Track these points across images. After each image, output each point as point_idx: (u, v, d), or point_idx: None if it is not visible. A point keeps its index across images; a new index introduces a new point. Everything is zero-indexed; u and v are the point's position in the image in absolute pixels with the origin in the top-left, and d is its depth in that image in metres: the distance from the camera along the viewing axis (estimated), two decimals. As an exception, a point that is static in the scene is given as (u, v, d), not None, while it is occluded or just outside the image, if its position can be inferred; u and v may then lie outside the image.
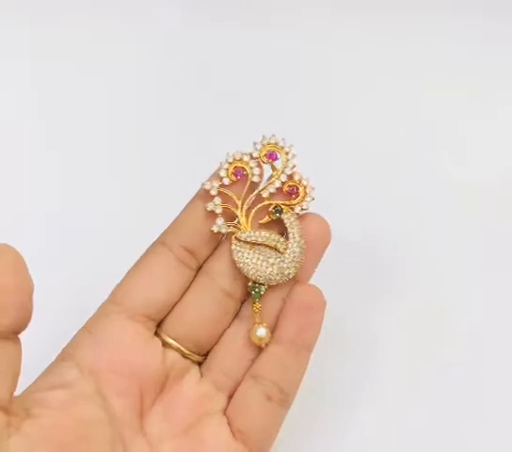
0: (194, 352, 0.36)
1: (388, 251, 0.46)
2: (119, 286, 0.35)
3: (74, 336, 0.35)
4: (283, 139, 0.37)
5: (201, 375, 0.36)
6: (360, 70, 0.53)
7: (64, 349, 0.34)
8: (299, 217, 0.37)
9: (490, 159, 0.50)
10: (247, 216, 0.37)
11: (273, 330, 0.36)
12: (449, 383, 0.42)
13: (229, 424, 0.35)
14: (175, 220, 0.36)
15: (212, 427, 0.35)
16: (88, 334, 0.34)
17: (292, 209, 0.37)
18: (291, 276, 0.36)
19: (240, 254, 0.36)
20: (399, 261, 0.46)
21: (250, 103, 0.52)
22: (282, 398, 0.35)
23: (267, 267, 0.36)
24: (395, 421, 0.41)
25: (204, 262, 0.36)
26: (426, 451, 0.40)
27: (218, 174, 0.36)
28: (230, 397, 0.36)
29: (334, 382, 0.42)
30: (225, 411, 0.35)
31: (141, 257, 0.36)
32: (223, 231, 0.36)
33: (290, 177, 0.37)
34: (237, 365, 0.36)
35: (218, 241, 0.37)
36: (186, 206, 0.36)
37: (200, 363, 0.36)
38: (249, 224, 0.37)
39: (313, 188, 0.37)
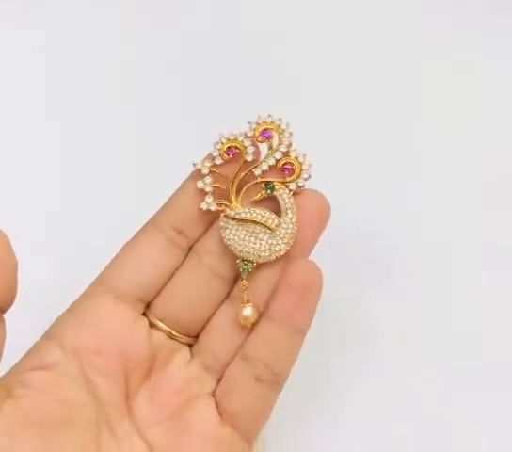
0: (183, 334, 0.35)
1: (387, 235, 0.45)
2: (107, 268, 0.35)
3: (59, 316, 0.34)
4: (280, 119, 0.36)
5: (192, 356, 0.35)
6: (354, 43, 0.53)
7: (48, 330, 0.34)
8: (296, 194, 0.36)
9: (492, 138, 0.48)
10: (237, 193, 0.36)
11: (263, 309, 0.34)
12: (447, 368, 0.40)
13: (217, 406, 0.34)
14: (167, 201, 0.36)
15: (199, 410, 0.34)
16: (73, 315, 0.34)
17: (286, 186, 0.36)
18: (282, 253, 0.35)
19: (228, 231, 0.35)
20: (398, 244, 0.44)
21: (250, 82, 0.52)
22: (273, 380, 0.34)
23: (255, 243, 0.35)
24: (393, 406, 0.39)
25: (195, 241, 0.36)
26: (424, 435, 0.39)
27: (211, 153, 0.36)
28: (219, 380, 0.35)
29: (331, 367, 0.41)
30: (214, 394, 0.35)
31: (131, 239, 0.36)
32: (212, 208, 0.35)
33: (285, 154, 0.36)
34: (227, 347, 0.35)
35: (210, 221, 0.36)
36: (178, 187, 0.36)
37: (190, 345, 0.36)
38: (240, 202, 0.36)
39: (311, 165, 0.36)
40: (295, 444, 0.38)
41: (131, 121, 0.51)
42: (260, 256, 0.35)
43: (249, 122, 0.36)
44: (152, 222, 0.35)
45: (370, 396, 0.40)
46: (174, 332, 0.35)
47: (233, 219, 0.35)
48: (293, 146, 0.36)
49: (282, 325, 0.33)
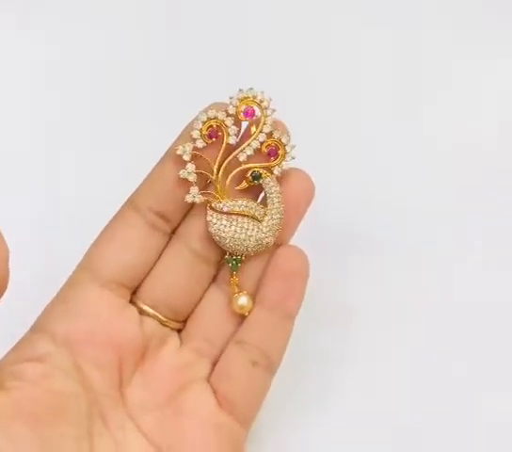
0: (171, 319, 0.34)
1: (368, 212, 0.44)
2: (90, 252, 0.33)
3: (47, 306, 0.33)
4: (262, 93, 0.33)
5: (181, 342, 0.34)
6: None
7: (37, 320, 0.33)
8: (280, 176, 0.33)
9: (480, 117, 0.47)
10: (222, 182, 0.33)
11: (254, 295, 0.34)
12: (428, 345, 0.41)
13: (213, 391, 0.33)
14: (145, 182, 0.33)
15: (195, 395, 0.33)
16: (61, 304, 0.33)
17: (271, 171, 0.33)
18: (270, 245, 0.34)
19: (216, 227, 0.33)
20: (378, 222, 0.44)
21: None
22: (268, 364, 0.34)
23: (245, 240, 0.33)
24: (383, 386, 0.40)
25: (178, 225, 0.34)
26: (410, 412, 0.39)
27: (191, 136, 0.32)
28: (213, 364, 0.34)
29: (315, 346, 0.40)
30: (209, 379, 0.34)
31: (111, 221, 0.34)
32: (197, 200, 0.33)
33: (269, 135, 0.33)
34: (219, 331, 0.34)
35: (191, 205, 0.34)
36: (157, 166, 0.33)
37: (179, 330, 0.35)
38: (226, 191, 0.33)
39: (294, 146, 0.33)
40: (287, 428, 0.38)
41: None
42: (249, 251, 0.33)
43: (230, 97, 0.33)
44: (132, 205, 0.33)
45: (359, 377, 0.40)
46: (164, 318, 0.33)
47: (221, 213, 0.33)
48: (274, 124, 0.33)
49: (273, 311, 0.33)
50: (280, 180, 0.33)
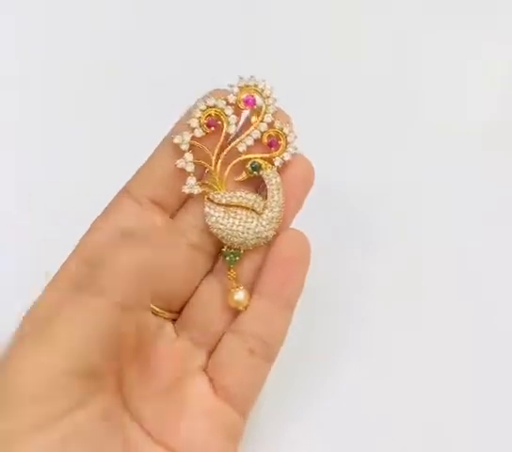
0: (165, 309, 0.33)
1: (372, 197, 0.43)
2: (83, 240, 0.32)
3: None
4: (264, 81, 0.32)
5: (176, 332, 0.33)
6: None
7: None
8: (281, 167, 0.32)
9: (481, 98, 0.47)
10: (221, 173, 0.32)
11: (252, 289, 0.33)
12: (432, 329, 0.40)
13: (210, 381, 0.33)
14: (141, 170, 0.33)
15: (193, 385, 0.32)
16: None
17: (271, 163, 0.32)
18: (269, 238, 0.33)
19: (214, 219, 0.32)
20: (383, 207, 0.43)
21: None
22: (266, 352, 0.33)
23: (243, 232, 0.32)
24: (385, 361, 0.39)
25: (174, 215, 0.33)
26: (415, 398, 0.38)
27: (189, 124, 0.31)
28: (209, 354, 0.33)
29: (319, 332, 0.40)
30: (206, 369, 0.33)
31: (107, 207, 0.33)
32: (195, 191, 0.32)
33: (270, 125, 0.32)
34: (215, 320, 0.33)
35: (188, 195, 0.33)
36: (154, 155, 0.32)
37: (174, 320, 0.34)
38: (224, 182, 0.32)
39: (296, 137, 0.32)
40: (286, 417, 0.37)
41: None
42: (247, 245, 0.32)
43: (231, 85, 0.32)
44: (128, 191, 0.32)
45: (362, 353, 0.39)
46: (157, 309, 0.33)
47: (219, 205, 0.32)
48: (276, 114, 0.32)
49: (273, 299, 0.32)
50: (281, 171, 0.32)
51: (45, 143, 0.44)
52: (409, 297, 0.40)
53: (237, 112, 0.32)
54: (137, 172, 0.32)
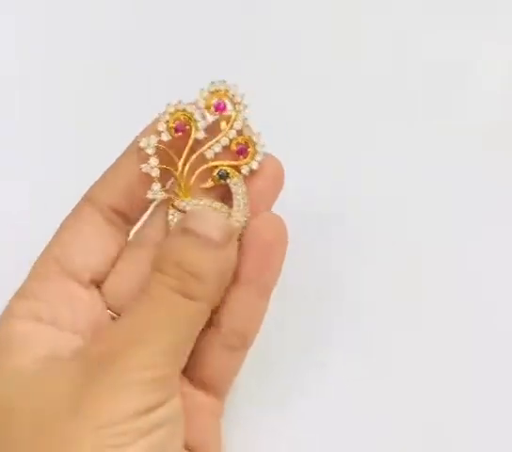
0: None
1: (370, 196, 0.42)
2: (52, 245, 0.31)
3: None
4: (235, 86, 0.31)
5: None
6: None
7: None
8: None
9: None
10: (187, 179, 0.31)
11: None
12: (424, 320, 0.39)
13: (185, 372, 0.31)
14: (104, 176, 0.31)
15: None
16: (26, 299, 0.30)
17: (239, 171, 0.31)
18: None
19: None
20: (382, 207, 0.42)
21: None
22: (243, 343, 0.32)
23: None
24: (378, 352, 0.39)
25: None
26: (400, 385, 0.38)
27: (156, 128, 0.30)
28: None
29: (311, 331, 0.39)
30: None
31: (70, 215, 0.32)
32: (159, 197, 0.31)
33: (239, 133, 0.31)
34: None
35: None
36: (118, 160, 0.31)
37: None
38: (189, 189, 0.31)
39: (264, 145, 0.31)
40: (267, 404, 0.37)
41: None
42: None
43: (201, 89, 0.31)
44: (90, 199, 0.31)
45: (352, 345, 0.39)
46: None
47: (183, 212, 0.30)
48: (246, 121, 0.31)
49: (249, 286, 0.31)
50: (247, 179, 0.31)
51: (44, 143, 0.43)
52: (408, 296, 0.40)
53: (206, 118, 0.30)
54: (100, 178, 0.31)
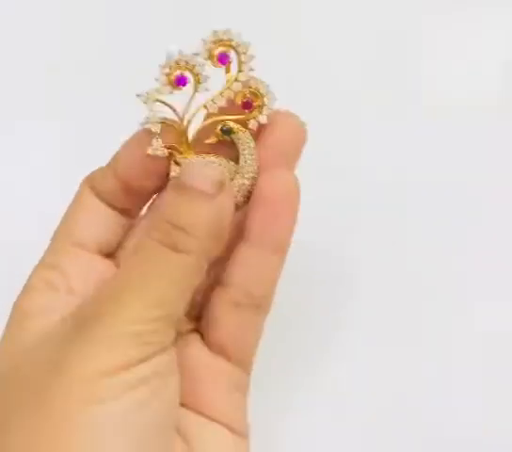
0: None
1: (370, 185, 0.41)
2: (63, 222, 0.31)
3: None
4: (240, 35, 0.29)
5: None
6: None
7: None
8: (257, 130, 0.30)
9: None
10: (189, 134, 0.30)
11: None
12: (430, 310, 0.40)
13: (203, 339, 0.31)
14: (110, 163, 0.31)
15: (185, 346, 0.31)
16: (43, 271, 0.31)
17: (245, 125, 0.30)
18: (238, 206, 0.30)
19: None
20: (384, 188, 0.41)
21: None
22: (254, 303, 0.31)
23: None
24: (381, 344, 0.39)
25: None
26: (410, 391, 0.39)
27: (157, 81, 0.29)
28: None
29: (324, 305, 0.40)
30: (198, 326, 0.32)
31: (72, 206, 0.32)
32: (160, 154, 0.29)
33: (245, 85, 0.30)
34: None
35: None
36: (120, 148, 0.31)
37: None
38: (192, 146, 0.30)
39: (275, 99, 0.30)
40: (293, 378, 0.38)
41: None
42: None
43: (203, 40, 0.29)
44: (91, 187, 0.31)
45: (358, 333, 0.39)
46: None
47: None
48: (252, 72, 0.29)
49: (258, 244, 0.30)
50: (255, 134, 0.30)
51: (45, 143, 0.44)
52: (409, 290, 0.40)
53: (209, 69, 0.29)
54: (101, 168, 0.31)
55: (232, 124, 0.30)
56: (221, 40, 0.29)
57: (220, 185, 0.27)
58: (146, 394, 0.26)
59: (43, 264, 0.31)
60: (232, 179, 0.30)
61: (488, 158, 0.42)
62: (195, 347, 0.31)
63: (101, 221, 0.31)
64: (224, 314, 0.31)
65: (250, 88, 0.29)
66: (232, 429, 0.31)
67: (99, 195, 0.31)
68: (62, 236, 0.31)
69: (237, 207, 0.30)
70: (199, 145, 0.30)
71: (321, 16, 0.45)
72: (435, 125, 0.42)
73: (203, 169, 0.28)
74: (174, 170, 0.29)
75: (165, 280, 0.27)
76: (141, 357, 0.26)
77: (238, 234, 0.30)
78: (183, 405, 0.30)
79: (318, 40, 0.44)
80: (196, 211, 0.27)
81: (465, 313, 0.39)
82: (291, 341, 0.38)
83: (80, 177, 0.31)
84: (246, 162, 0.30)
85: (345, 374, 0.38)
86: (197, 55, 0.29)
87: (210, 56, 0.29)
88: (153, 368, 0.27)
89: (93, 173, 0.31)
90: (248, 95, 0.30)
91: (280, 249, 0.30)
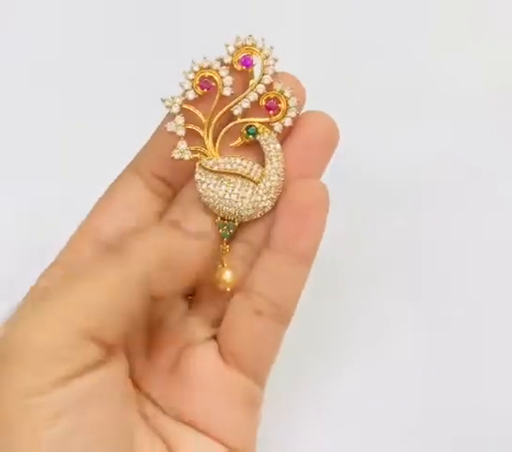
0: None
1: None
2: (88, 219, 0.32)
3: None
4: (263, 40, 0.30)
5: (191, 309, 0.32)
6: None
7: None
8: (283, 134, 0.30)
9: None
10: (214, 138, 0.30)
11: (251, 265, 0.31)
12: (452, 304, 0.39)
13: (219, 349, 0.31)
14: (147, 144, 0.32)
15: (200, 356, 0.31)
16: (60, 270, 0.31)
17: (271, 128, 0.30)
18: (266, 210, 0.30)
19: (205, 186, 0.30)
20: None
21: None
22: (276, 313, 0.30)
23: (237, 201, 0.30)
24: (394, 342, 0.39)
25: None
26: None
27: (182, 86, 0.30)
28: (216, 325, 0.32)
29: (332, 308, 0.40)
30: (217, 335, 0.31)
31: (112, 184, 0.32)
32: (185, 157, 0.30)
33: (269, 87, 0.30)
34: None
35: (191, 168, 0.31)
36: (158, 127, 0.31)
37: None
38: (217, 148, 0.30)
39: (299, 101, 0.30)
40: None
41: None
42: (242, 215, 0.30)
43: (227, 45, 0.30)
44: (133, 167, 0.32)
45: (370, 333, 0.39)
46: None
47: (211, 171, 0.30)
48: (277, 76, 0.30)
49: (284, 254, 0.30)
50: (280, 137, 0.30)
51: (45, 143, 0.44)
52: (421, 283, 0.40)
53: (233, 74, 0.30)
54: (143, 147, 0.31)
55: (257, 125, 0.30)
56: (244, 46, 0.30)
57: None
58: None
59: (57, 260, 0.31)
60: (258, 182, 0.30)
61: (491, 158, 0.42)
62: (209, 357, 0.31)
63: (131, 207, 0.31)
64: (244, 322, 0.30)
65: (274, 91, 0.30)
66: (227, 446, 0.30)
67: (141, 174, 0.31)
68: (83, 231, 0.31)
69: (265, 211, 0.30)
70: (224, 148, 0.30)
71: (328, 14, 0.46)
72: (441, 124, 0.43)
73: None
74: (199, 173, 0.30)
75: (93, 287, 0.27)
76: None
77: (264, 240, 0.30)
78: (178, 415, 0.30)
79: (319, 40, 0.45)
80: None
81: (480, 314, 0.39)
82: (298, 349, 0.37)
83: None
84: (272, 164, 0.30)
85: (354, 384, 0.38)
86: (220, 59, 0.30)
87: (233, 61, 0.30)
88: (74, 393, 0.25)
89: (136, 156, 0.32)
90: (272, 98, 0.30)
91: (306, 259, 0.30)
